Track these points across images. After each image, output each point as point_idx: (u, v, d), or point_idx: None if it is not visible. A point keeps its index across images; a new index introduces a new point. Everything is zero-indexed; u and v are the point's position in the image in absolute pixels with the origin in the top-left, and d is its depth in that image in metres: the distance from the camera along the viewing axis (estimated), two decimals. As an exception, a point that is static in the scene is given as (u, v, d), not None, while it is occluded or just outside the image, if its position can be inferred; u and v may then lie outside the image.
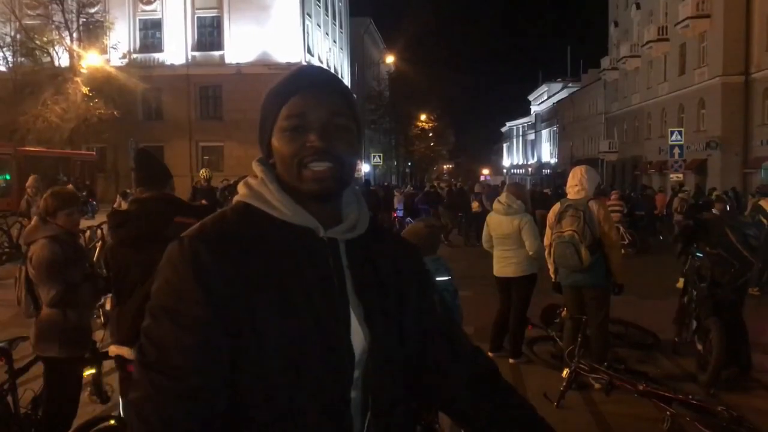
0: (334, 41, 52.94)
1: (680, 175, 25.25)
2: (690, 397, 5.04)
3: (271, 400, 1.17)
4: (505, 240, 6.89)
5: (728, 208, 17.89)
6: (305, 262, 1.24)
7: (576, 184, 6.15)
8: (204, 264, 1.17)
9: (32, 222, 4.19)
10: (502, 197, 7.04)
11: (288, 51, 39.05)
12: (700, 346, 6.32)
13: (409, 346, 1.36)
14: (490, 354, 6.98)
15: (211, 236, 1.22)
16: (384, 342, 1.29)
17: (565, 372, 5.77)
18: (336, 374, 1.21)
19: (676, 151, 25.14)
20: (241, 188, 1.33)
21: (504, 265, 6.96)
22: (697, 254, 7.12)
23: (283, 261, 1.22)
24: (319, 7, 47.33)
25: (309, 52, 43.07)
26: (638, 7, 46.56)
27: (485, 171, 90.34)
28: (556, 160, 78.95)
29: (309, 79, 1.30)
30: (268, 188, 1.28)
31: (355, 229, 1.33)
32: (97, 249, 11.60)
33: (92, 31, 36.10)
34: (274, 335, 1.17)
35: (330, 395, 1.20)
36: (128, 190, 22.35)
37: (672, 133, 25.94)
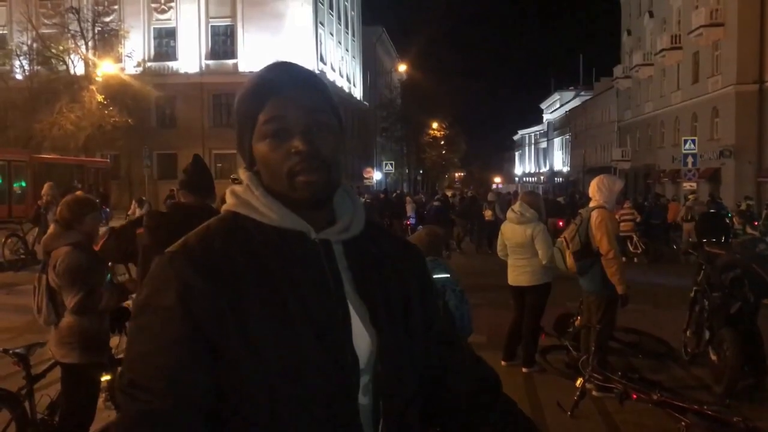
0: (347, 50, 53.14)
1: (694, 184, 25.09)
2: (705, 407, 5.00)
3: (275, 413, 1.12)
4: (518, 249, 6.90)
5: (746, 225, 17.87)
6: (297, 266, 1.19)
7: (592, 193, 6.33)
8: (187, 283, 1.13)
9: (51, 229, 4.23)
10: (516, 206, 7.06)
11: (301, 59, 39.00)
12: (714, 356, 6.29)
13: (417, 350, 1.31)
14: (503, 363, 6.98)
15: (195, 252, 1.17)
16: (392, 344, 1.24)
17: (579, 381, 5.74)
18: (340, 381, 1.16)
19: (690, 159, 24.97)
20: (228, 197, 1.28)
21: (518, 273, 6.96)
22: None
23: (274, 268, 1.17)
24: (332, 16, 47.59)
25: (322, 60, 43.28)
26: (651, 15, 46.42)
27: (497, 179, 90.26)
28: (569, 169, 78.70)
29: (282, 79, 1.24)
30: (254, 194, 1.23)
31: (350, 230, 1.28)
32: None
33: (107, 40, 36.44)
34: (269, 347, 1.12)
35: (336, 403, 1.15)
36: (144, 198, 22.54)
37: (685, 141, 25.77)
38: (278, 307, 1.15)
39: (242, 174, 1.29)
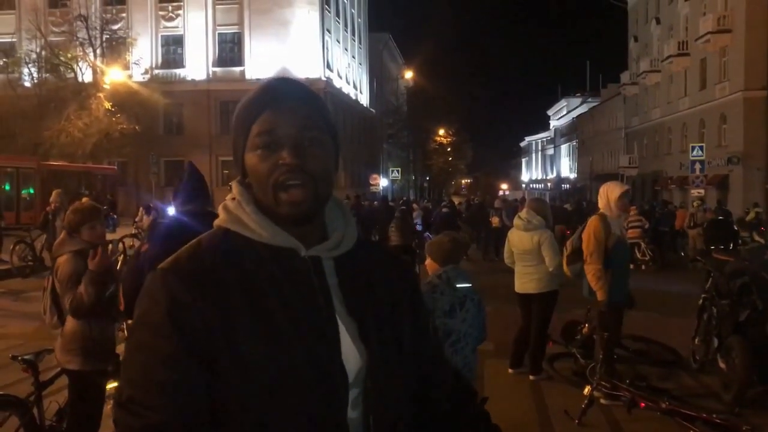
0: (353, 57, 53.28)
1: (701, 191, 25.00)
2: (714, 415, 4.97)
3: (264, 425, 1.13)
4: (525, 256, 6.88)
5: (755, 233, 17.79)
6: (287, 283, 1.20)
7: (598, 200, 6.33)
8: (178, 299, 1.14)
9: (60, 236, 4.28)
10: (523, 213, 7.05)
11: (308, 66, 39.36)
12: (723, 365, 6.25)
13: (408, 365, 1.32)
14: (510, 370, 6.97)
15: (184, 268, 1.19)
16: (382, 359, 1.25)
17: (587, 389, 5.72)
18: (328, 396, 1.17)
19: (697, 166, 24.89)
20: (220, 212, 1.29)
21: (525, 281, 6.94)
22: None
23: (264, 285, 1.19)
24: (339, 23, 47.75)
25: (328, 67, 43.41)
26: (658, 21, 46.40)
27: (504, 186, 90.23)
28: (576, 175, 78.57)
29: (278, 93, 1.25)
30: (245, 211, 1.24)
31: (341, 246, 1.28)
32: (119, 262, 11.70)
33: (115, 48, 36.67)
34: (258, 363, 1.13)
35: (325, 419, 1.17)
36: (151, 204, 22.60)
37: (693, 148, 25.69)
38: (267, 323, 1.16)
39: (234, 188, 1.30)
